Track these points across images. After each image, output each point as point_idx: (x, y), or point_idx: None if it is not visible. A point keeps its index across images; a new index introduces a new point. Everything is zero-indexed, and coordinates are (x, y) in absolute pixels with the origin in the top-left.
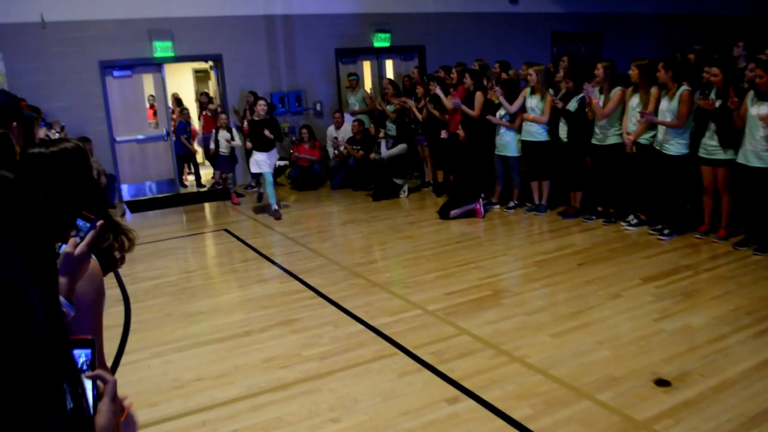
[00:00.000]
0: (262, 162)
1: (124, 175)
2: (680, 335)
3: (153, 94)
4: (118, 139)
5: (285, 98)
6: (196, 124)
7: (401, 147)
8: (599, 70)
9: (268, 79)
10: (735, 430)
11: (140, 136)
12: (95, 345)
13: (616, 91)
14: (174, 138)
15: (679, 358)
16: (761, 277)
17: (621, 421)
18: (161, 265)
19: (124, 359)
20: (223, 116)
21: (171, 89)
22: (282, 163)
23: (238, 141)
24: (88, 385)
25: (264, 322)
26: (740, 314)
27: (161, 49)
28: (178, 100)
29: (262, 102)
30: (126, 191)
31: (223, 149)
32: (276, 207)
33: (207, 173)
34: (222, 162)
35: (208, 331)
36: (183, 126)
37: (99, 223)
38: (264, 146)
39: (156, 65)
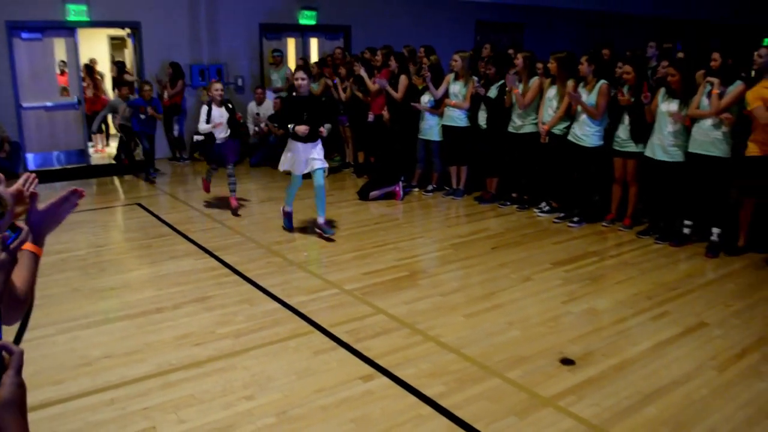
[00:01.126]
0: (312, 158)
1: (30, 143)
2: (586, 317)
3: (64, 59)
4: (24, 105)
5: (205, 71)
6: (110, 94)
7: (327, 127)
8: (519, 60)
9: (188, 50)
10: (632, 406)
11: (49, 104)
12: (0, 317)
13: (535, 81)
14: (124, 115)
15: (584, 339)
16: (661, 264)
17: (528, 398)
18: (69, 238)
19: (27, 335)
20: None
21: (84, 56)
22: (199, 137)
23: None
24: None
25: (177, 299)
26: (641, 298)
27: (75, 12)
28: (89, 68)
29: (301, 73)
30: (32, 160)
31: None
32: (324, 221)
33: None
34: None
35: (118, 307)
36: (141, 104)
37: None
38: (312, 134)
39: (69, 29)
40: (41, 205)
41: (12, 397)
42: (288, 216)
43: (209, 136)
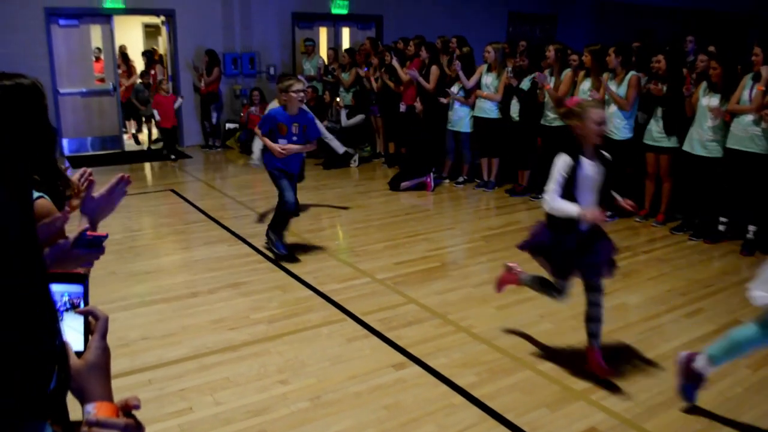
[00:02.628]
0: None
1: (66, 129)
2: (617, 312)
3: (100, 46)
4: (61, 91)
5: (238, 59)
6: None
7: (359, 117)
8: (550, 52)
9: (221, 38)
10: (665, 402)
11: (85, 90)
12: (87, 280)
13: (567, 73)
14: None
15: (615, 334)
16: (695, 261)
17: (560, 390)
18: (104, 223)
19: None
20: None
21: (119, 43)
22: (232, 125)
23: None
24: (79, 321)
25: (211, 284)
26: (674, 295)
27: None
28: (123, 55)
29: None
30: (66, 146)
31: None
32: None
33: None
34: None
35: (154, 291)
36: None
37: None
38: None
39: (105, 16)
40: (95, 194)
41: (97, 360)
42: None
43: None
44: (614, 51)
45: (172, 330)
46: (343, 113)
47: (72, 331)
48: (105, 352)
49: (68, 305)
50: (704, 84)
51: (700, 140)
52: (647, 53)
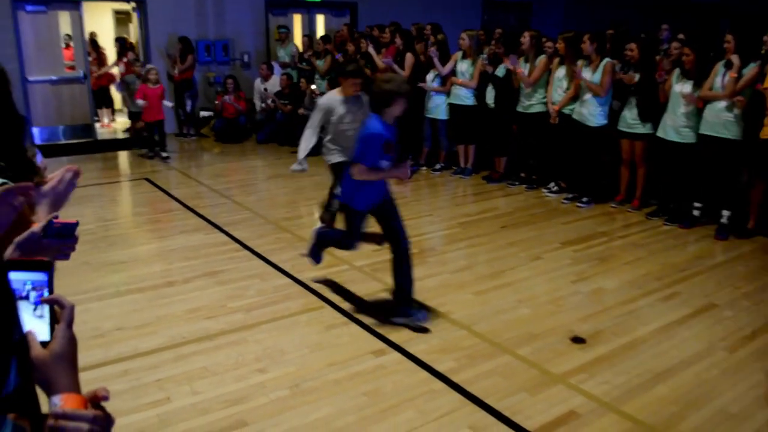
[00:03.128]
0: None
1: (36, 117)
2: (595, 296)
3: (69, 33)
4: (30, 78)
5: (211, 47)
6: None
7: (321, 87)
8: (525, 39)
9: (194, 25)
10: (643, 384)
11: (54, 77)
12: (53, 267)
13: (541, 59)
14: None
15: (593, 318)
16: (670, 245)
17: (539, 374)
18: (77, 212)
19: None
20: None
21: (89, 30)
22: (206, 113)
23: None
24: (44, 310)
25: (187, 273)
26: (650, 279)
27: None
28: (93, 42)
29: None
30: (37, 134)
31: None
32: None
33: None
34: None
35: (129, 280)
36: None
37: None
38: None
39: (74, 2)
40: (45, 187)
41: (63, 350)
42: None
43: None
44: (589, 38)
45: (148, 320)
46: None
47: (37, 320)
48: (71, 342)
49: (31, 294)
50: (677, 71)
51: (674, 126)
52: (621, 41)
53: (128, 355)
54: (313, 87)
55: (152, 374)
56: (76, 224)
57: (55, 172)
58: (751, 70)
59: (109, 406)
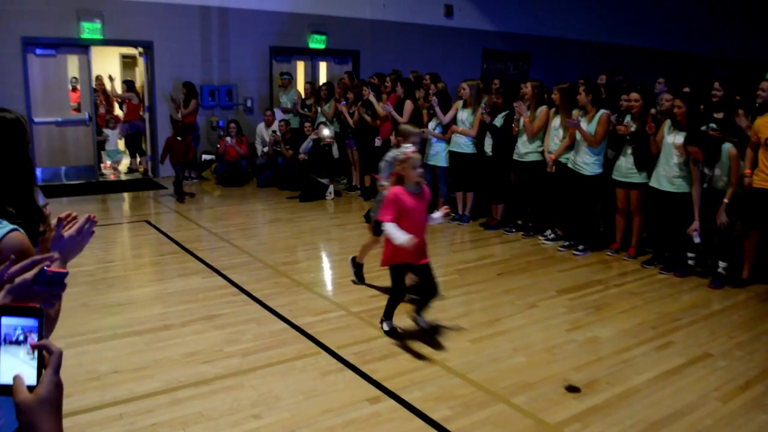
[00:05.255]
0: None
1: (40, 158)
2: (590, 345)
3: (77, 76)
4: (36, 119)
5: (216, 92)
6: (118, 111)
7: (331, 131)
8: (527, 88)
9: (199, 70)
10: None
11: (60, 119)
12: (43, 314)
13: (542, 110)
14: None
15: (588, 367)
16: (665, 294)
17: (534, 424)
18: None
19: None
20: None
21: (96, 73)
22: (208, 157)
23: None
24: (32, 354)
25: (185, 317)
26: (645, 328)
27: (89, 30)
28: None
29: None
30: (40, 175)
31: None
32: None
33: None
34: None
35: (126, 323)
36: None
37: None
38: None
39: (82, 47)
40: (65, 233)
41: (49, 396)
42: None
43: None
44: (584, 89)
45: (144, 363)
46: (335, 148)
47: (25, 365)
48: (58, 387)
49: (21, 339)
50: (668, 122)
51: (667, 176)
52: (616, 91)
53: (124, 399)
54: (326, 132)
55: (147, 418)
56: (66, 274)
57: (78, 219)
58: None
59: None
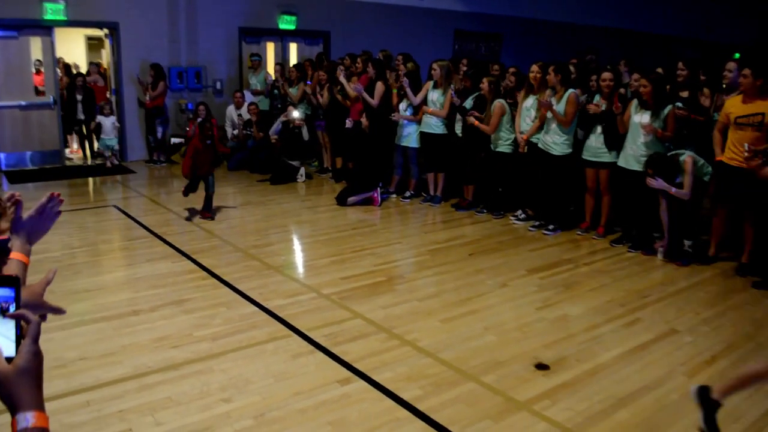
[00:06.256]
0: None
1: (4, 143)
2: (559, 323)
3: (40, 58)
4: None
5: (184, 74)
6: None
7: (300, 113)
8: (484, 84)
9: (166, 52)
10: (605, 410)
11: (24, 102)
12: (19, 283)
13: (496, 105)
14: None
15: (558, 344)
16: (634, 272)
17: (503, 402)
18: (43, 239)
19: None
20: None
21: (60, 55)
22: (177, 140)
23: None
24: (10, 325)
25: (154, 302)
26: (614, 305)
27: (52, 11)
28: (66, 66)
29: None
30: (4, 160)
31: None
32: None
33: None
34: None
35: (94, 309)
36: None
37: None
38: None
39: (45, 28)
40: (24, 214)
41: (28, 366)
42: None
43: None
44: (553, 69)
45: (112, 349)
46: (305, 130)
47: (2, 336)
48: (36, 357)
49: (10, 307)
50: (635, 101)
51: (635, 156)
52: (586, 71)
53: (91, 386)
54: (296, 114)
55: (115, 405)
56: (8, 240)
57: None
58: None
59: None
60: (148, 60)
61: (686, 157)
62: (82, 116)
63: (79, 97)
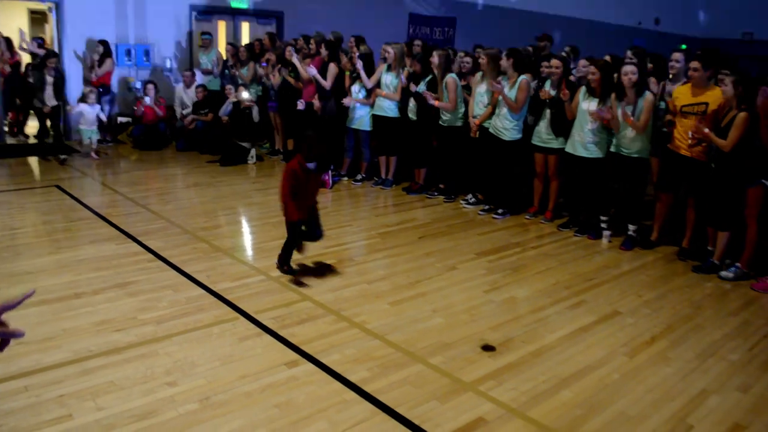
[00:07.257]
0: None
1: None
2: (507, 305)
3: None
4: None
5: (132, 51)
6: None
7: (251, 94)
8: (434, 59)
9: (114, 28)
10: (549, 390)
11: None
12: None
13: (449, 80)
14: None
15: (504, 326)
16: (579, 256)
17: (450, 383)
18: None
19: None
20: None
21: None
22: (124, 119)
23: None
24: None
25: (96, 285)
26: (559, 288)
27: None
28: (7, 40)
29: None
30: None
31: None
32: None
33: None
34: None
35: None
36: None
37: None
38: None
39: None
40: None
41: None
42: None
43: None
44: (506, 54)
45: (52, 333)
46: (255, 111)
47: None
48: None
49: None
50: (584, 88)
51: (582, 142)
52: (537, 58)
53: (29, 370)
54: (245, 95)
55: (54, 390)
56: None
57: None
58: (646, 99)
59: (6, 425)
60: (94, 36)
61: (649, 94)
62: (54, 102)
63: (49, 79)
